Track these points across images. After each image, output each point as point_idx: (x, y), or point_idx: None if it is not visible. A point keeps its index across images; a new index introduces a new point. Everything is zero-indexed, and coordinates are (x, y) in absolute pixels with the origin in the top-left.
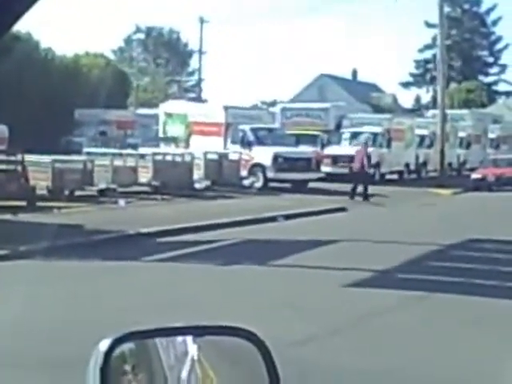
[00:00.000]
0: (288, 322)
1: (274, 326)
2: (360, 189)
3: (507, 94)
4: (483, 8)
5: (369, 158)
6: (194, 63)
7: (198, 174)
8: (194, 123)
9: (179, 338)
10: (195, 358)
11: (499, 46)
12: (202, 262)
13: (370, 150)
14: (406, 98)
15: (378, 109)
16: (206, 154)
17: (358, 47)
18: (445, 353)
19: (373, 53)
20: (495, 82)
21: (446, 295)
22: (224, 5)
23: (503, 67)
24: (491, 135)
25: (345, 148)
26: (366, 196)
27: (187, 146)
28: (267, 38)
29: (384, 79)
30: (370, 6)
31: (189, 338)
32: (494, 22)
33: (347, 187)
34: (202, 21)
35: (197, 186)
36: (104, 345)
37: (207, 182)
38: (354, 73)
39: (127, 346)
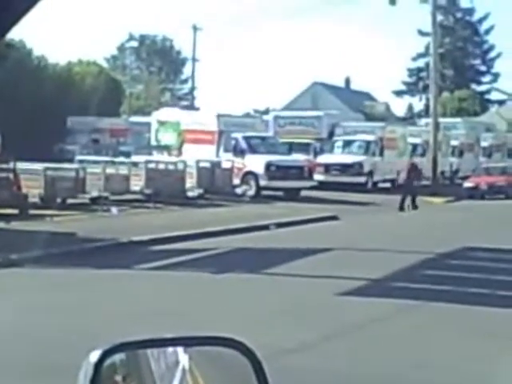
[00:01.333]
0: (282, 330)
1: (267, 334)
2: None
3: (500, 102)
4: (476, 17)
5: (416, 168)
6: (187, 71)
7: (190, 182)
8: (187, 131)
9: (170, 349)
10: (186, 368)
11: (492, 54)
12: (194, 270)
13: (417, 160)
14: (399, 107)
15: (370, 117)
16: (198, 162)
17: (351, 55)
18: (439, 359)
19: (366, 61)
20: (488, 91)
21: (440, 304)
22: (217, 13)
23: (496, 76)
24: (484, 144)
25: (337, 156)
26: (414, 206)
27: (180, 154)
28: (260, 46)
29: (377, 87)
30: (364, 13)
31: (180, 349)
32: (487, 31)
33: (339, 196)
34: (195, 29)
35: (189, 194)
36: (94, 356)
37: (200, 190)
38: (347, 81)
39: (118, 357)
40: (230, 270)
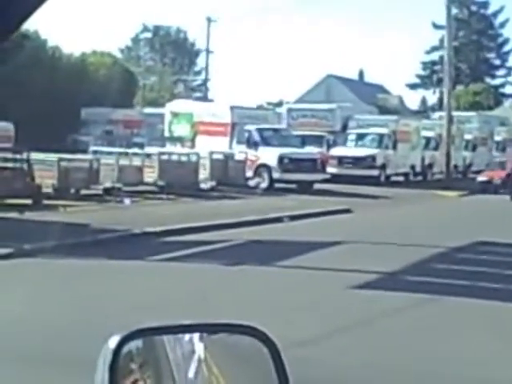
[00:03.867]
0: (293, 322)
1: (279, 326)
2: None
3: None
4: (491, 10)
5: None
6: (200, 62)
7: (203, 174)
8: (200, 123)
9: (186, 337)
10: (202, 356)
11: (506, 48)
12: (207, 261)
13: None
14: (413, 100)
15: (384, 110)
16: (211, 153)
17: (365, 48)
18: (452, 352)
19: (380, 54)
20: (502, 85)
21: (452, 298)
22: (231, 4)
23: (510, 69)
24: (497, 138)
25: (350, 149)
26: None
27: (193, 145)
28: (274, 38)
29: (391, 80)
30: (378, 6)
31: (196, 337)
32: (502, 24)
33: (352, 189)
34: (209, 20)
35: (202, 186)
36: (113, 342)
37: (212, 182)
38: (361, 74)
39: (134, 345)
40: (243, 262)
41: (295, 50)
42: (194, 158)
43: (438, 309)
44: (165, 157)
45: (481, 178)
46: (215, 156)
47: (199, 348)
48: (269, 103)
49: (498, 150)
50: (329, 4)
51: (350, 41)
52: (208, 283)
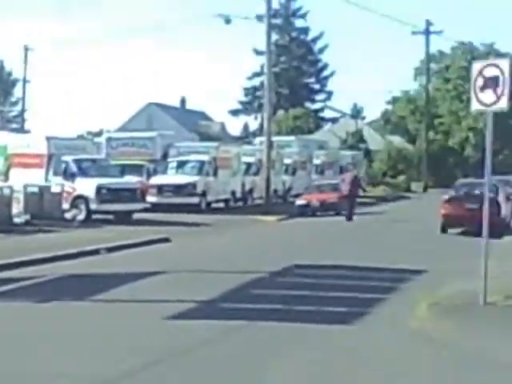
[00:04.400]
0: (106, 358)
1: (90, 363)
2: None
3: (332, 120)
4: (310, 36)
5: (358, 180)
6: (17, 93)
7: (17, 207)
8: (15, 155)
9: None
10: None
11: (325, 73)
12: (18, 299)
13: (355, 173)
14: (235, 126)
15: (206, 137)
16: (26, 186)
17: (188, 75)
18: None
19: (202, 81)
20: (321, 109)
21: (268, 323)
22: (50, 32)
23: (329, 94)
24: (316, 161)
25: (170, 177)
26: (350, 217)
27: (7, 179)
28: (95, 67)
29: (213, 107)
30: (201, 33)
31: None
32: (321, 50)
33: (172, 217)
34: (26, 49)
35: (16, 220)
36: None
37: (27, 216)
38: (183, 101)
39: None
40: (56, 298)
41: (118, 78)
42: (6, 192)
43: (253, 335)
44: None
45: (299, 201)
46: (30, 189)
47: None
48: (89, 133)
49: (317, 173)
50: (150, 34)
51: (173, 68)
52: (16, 323)
